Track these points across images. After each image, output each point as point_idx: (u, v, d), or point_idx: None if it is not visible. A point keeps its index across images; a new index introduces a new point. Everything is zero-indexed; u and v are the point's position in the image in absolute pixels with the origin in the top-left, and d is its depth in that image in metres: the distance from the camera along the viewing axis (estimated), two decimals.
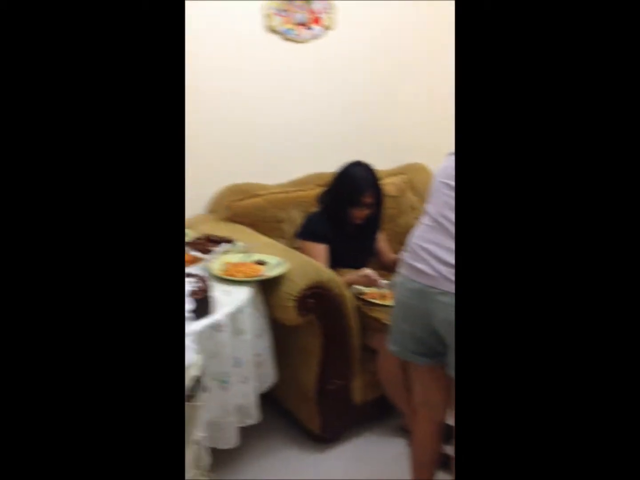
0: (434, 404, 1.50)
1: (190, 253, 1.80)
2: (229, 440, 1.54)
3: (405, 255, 1.39)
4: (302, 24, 2.32)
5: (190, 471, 1.08)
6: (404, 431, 1.92)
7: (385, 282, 1.94)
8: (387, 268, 2.17)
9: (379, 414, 2.03)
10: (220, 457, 1.63)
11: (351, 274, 1.98)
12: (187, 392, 0.97)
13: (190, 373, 0.98)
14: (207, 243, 1.89)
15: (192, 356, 1.00)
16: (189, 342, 0.99)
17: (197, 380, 1.01)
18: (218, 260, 1.76)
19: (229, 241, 1.90)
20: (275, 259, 1.79)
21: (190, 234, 2.00)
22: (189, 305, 1.02)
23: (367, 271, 1.96)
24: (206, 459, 1.17)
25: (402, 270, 1.40)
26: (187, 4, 2.05)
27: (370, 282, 1.95)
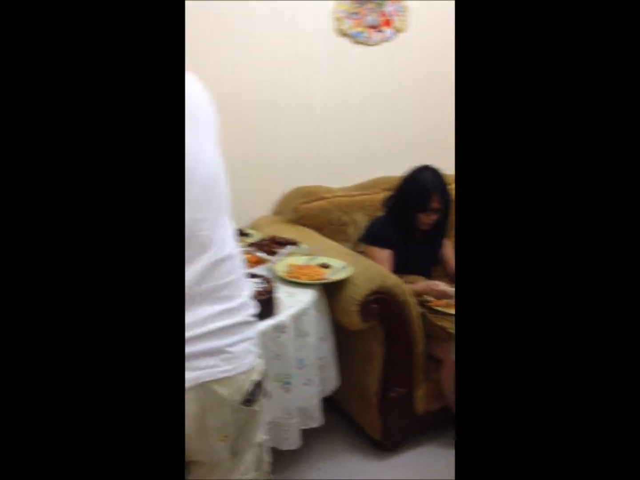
0: None
1: (255, 254, 1.83)
2: (291, 441, 1.54)
3: None
4: (373, 27, 2.30)
5: (250, 473, 1.08)
6: None
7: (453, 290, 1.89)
8: (453, 276, 2.12)
9: (441, 424, 1.98)
10: (280, 459, 1.64)
11: (420, 284, 1.94)
12: (247, 397, 0.97)
13: (251, 377, 0.98)
14: (272, 244, 1.91)
15: (253, 360, 0.99)
16: (250, 346, 0.99)
17: (258, 385, 1.00)
18: (283, 262, 1.78)
19: (293, 243, 1.91)
20: (339, 263, 1.79)
21: (255, 235, 2.03)
22: (253, 308, 1.02)
23: (439, 284, 1.92)
24: (267, 461, 1.17)
25: None
26: (257, 4, 2.09)
27: (440, 295, 1.90)
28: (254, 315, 1.01)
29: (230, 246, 0.97)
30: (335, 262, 1.79)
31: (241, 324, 0.96)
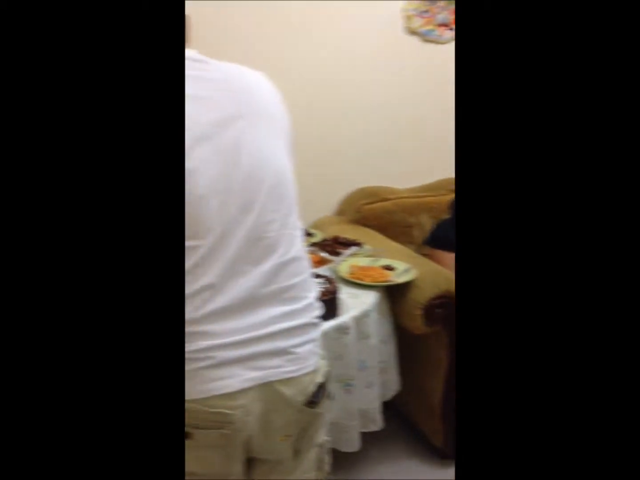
0: None
1: (318, 254, 1.83)
2: (351, 443, 1.53)
3: None
4: (444, 25, 2.26)
5: (311, 473, 1.08)
6: None
7: None
8: None
9: None
10: (339, 460, 1.63)
11: None
12: (310, 398, 0.97)
13: (315, 379, 0.98)
14: (335, 245, 1.91)
15: (317, 362, 0.99)
16: (314, 348, 0.99)
17: (322, 387, 1.00)
18: (346, 263, 1.77)
19: (357, 244, 1.90)
20: (403, 265, 1.76)
21: (317, 235, 2.04)
22: (318, 310, 1.01)
23: None
24: (328, 462, 1.17)
25: None
26: (327, 4, 2.09)
27: None
28: (319, 317, 1.01)
29: (297, 248, 0.97)
30: (399, 265, 1.77)
31: (306, 326, 0.96)
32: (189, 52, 0.93)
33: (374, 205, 2.18)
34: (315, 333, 0.99)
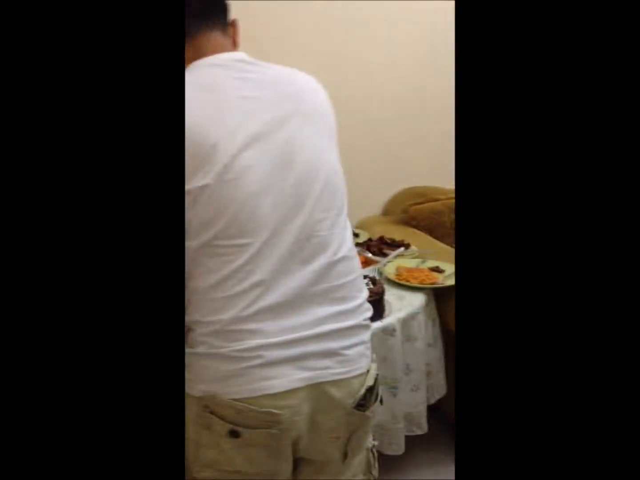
0: None
1: (363, 254, 1.81)
2: (397, 446, 1.51)
3: None
4: None
5: (359, 476, 1.07)
6: None
7: None
8: None
9: None
10: (384, 463, 1.61)
11: None
12: (359, 401, 0.96)
13: (365, 381, 0.97)
14: (381, 245, 1.89)
15: (367, 364, 0.98)
16: (365, 350, 0.97)
17: (371, 390, 0.99)
18: (392, 264, 1.75)
19: (403, 245, 1.88)
20: (451, 267, 1.73)
21: (362, 235, 2.02)
22: (369, 311, 1.00)
23: None
24: (376, 466, 1.15)
25: None
26: (381, 4, 2.08)
27: None
28: (369, 318, 1.00)
29: (347, 247, 0.96)
30: (447, 267, 1.74)
31: (356, 327, 0.95)
32: (239, 55, 0.95)
33: (422, 206, 2.15)
34: (366, 335, 0.98)
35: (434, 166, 2.29)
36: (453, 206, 2.16)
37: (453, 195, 2.20)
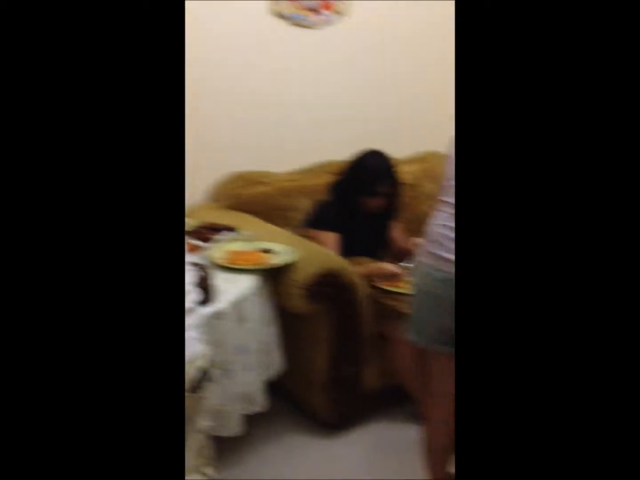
0: (452, 392, 1.47)
1: (190, 242, 1.79)
2: (233, 428, 1.53)
3: (428, 245, 1.34)
4: (312, 10, 2.28)
5: (192, 460, 1.07)
6: (417, 418, 1.89)
7: (402, 265, 1.91)
8: (400, 257, 2.13)
9: (391, 401, 2.00)
10: (226, 446, 1.63)
11: (369, 266, 1.95)
12: (193, 384, 0.95)
13: (197, 364, 0.97)
14: (208, 231, 1.87)
15: (198, 347, 0.98)
16: (195, 334, 0.97)
17: (204, 372, 0.99)
18: (220, 249, 1.75)
19: (231, 229, 1.88)
20: (282, 247, 1.78)
21: (190, 223, 1.98)
22: (196, 295, 1.00)
23: (388, 265, 1.93)
24: (210, 448, 1.16)
25: (424, 259, 1.34)
26: None
27: (390, 276, 1.91)
28: (194, 303, 0.99)
29: None
30: (277, 247, 1.78)
31: None
32: None
33: (251, 190, 2.17)
34: (190, 319, 0.97)
35: (262, 150, 2.32)
36: (283, 189, 2.21)
37: (282, 178, 2.26)
